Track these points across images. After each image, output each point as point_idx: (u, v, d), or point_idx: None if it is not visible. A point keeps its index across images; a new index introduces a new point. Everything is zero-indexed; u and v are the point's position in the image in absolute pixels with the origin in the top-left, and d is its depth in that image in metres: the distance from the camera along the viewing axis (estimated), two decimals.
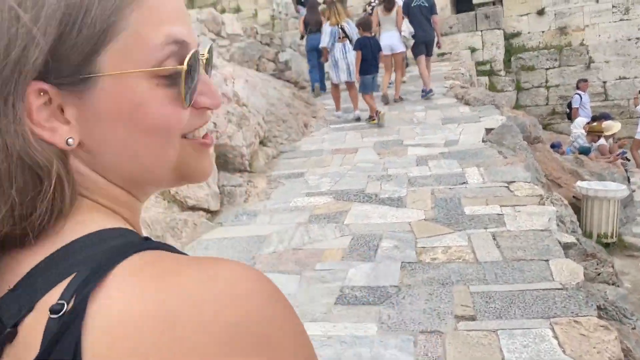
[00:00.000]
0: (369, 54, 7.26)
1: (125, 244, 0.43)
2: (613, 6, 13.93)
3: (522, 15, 15.09)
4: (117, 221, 0.47)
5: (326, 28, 7.83)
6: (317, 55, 9.27)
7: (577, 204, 6.65)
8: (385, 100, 8.77)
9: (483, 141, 6.13)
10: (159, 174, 0.49)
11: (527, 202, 4.08)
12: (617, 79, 14.15)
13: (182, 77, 0.46)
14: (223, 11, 15.41)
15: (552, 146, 9.29)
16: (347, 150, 6.39)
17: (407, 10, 8.45)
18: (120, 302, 0.38)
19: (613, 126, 9.11)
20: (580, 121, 10.41)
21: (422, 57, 8.54)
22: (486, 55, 14.73)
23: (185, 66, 0.46)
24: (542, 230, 3.55)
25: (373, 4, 10.16)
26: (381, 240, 3.70)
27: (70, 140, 0.44)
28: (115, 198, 0.48)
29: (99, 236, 0.44)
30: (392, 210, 4.26)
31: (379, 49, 7.53)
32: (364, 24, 7.53)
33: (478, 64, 14.36)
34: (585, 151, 8.90)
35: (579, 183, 6.40)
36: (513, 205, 4.05)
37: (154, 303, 0.37)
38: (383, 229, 3.89)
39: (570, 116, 12.74)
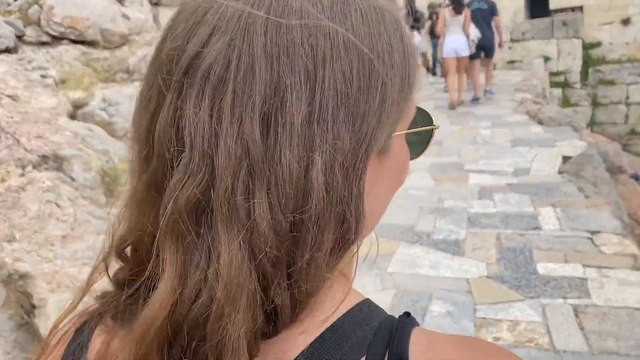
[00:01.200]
0: None
1: (389, 319, 0.44)
2: None
3: (604, 24, 13.82)
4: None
5: None
6: None
7: None
8: (452, 105, 8.53)
9: (559, 172, 5.29)
10: (372, 229, 0.50)
11: (617, 264, 3.29)
12: None
13: (432, 133, 0.53)
14: None
15: (631, 177, 8.25)
16: None
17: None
18: None
19: None
20: None
21: (477, 62, 8.59)
22: (561, 65, 13.58)
23: (436, 125, 0.54)
24: (638, 309, 2.77)
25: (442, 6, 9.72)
26: (431, 301, 3.02)
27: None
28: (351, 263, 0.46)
29: (362, 311, 0.44)
30: (447, 258, 3.56)
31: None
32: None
33: (552, 74, 13.25)
34: None
35: None
36: (599, 267, 3.27)
37: None
38: (434, 285, 3.21)
39: None
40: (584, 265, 3.30)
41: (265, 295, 0.38)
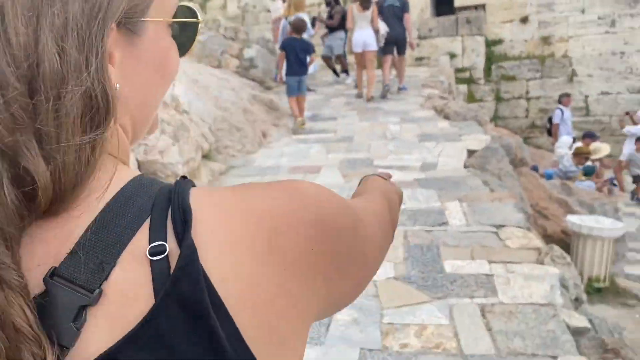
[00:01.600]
0: (293, 56, 6.94)
1: (167, 184, 0.45)
2: (599, 18, 13.36)
3: (505, 22, 14.41)
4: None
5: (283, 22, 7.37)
6: None
7: (566, 240, 5.91)
8: (360, 96, 8.68)
9: (465, 166, 5.31)
10: (148, 124, 0.53)
11: (522, 258, 3.25)
12: (599, 94, 13.60)
13: (197, 28, 0.54)
14: (190, 1, 14.35)
15: (532, 169, 8.60)
16: (308, 168, 5.49)
17: (380, 10, 8.32)
18: (222, 215, 0.42)
19: (602, 148, 8.45)
20: (566, 141, 9.74)
21: (389, 57, 8.61)
22: (466, 62, 14.02)
23: (200, 19, 0.54)
24: (544, 305, 2.72)
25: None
26: None
27: (117, 86, 0.44)
28: (126, 149, 0.49)
29: (140, 182, 0.45)
30: None
31: (308, 52, 7.14)
32: (294, 26, 7.25)
33: (457, 70, 13.65)
34: (590, 172, 8.21)
35: (570, 218, 5.64)
36: (505, 262, 3.22)
37: (256, 204, 0.44)
38: None
39: (551, 132, 12.12)
40: (490, 262, 3.23)
41: (17, 167, 0.39)
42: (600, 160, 8.61)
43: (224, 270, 0.40)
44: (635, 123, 11.14)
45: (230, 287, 0.40)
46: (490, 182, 4.84)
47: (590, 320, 2.64)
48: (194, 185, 0.45)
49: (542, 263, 3.19)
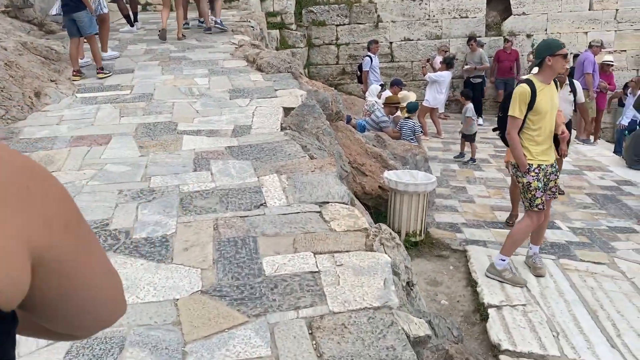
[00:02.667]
0: None
1: None
2: None
3: None
4: None
5: None
6: None
7: (384, 196, 5.83)
8: (163, 36, 8.07)
9: (282, 128, 4.77)
10: None
11: (350, 245, 2.83)
12: (402, 40, 14.11)
13: None
14: None
15: (347, 121, 8.52)
16: (94, 138, 4.46)
17: None
18: None
19: (409, 96, 8.62)
20: (375, 89, 9.82)
21: None
22: (277, 6, 13.41)
23: None
24: (379, 309, 2.33)
25: None
26: (122, 353, 2.09)
27: None
28: None
29: None
30: (149, 269, 2.65)
31: None
32: None
33: (268, 14, 12.98)
34: (413, 108, 8.38)
35: (386, 174, 5.52)
36: (332, 252, 2.77)
37: None
38: (129, 319, 2.28)
39: (361, 79, 12.28)
40: (316, 253, 2.76)
41: None
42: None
43: None
44: (434, 70, 11.75)
45: None
46: (310, 146, 4.38)
47: (429, 323, 2.32)
48: None
49: (371, 249, 2.81)
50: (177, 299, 2.41)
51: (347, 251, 2.77)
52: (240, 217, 3.15)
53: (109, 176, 3.71)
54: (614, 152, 10.25)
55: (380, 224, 3.12)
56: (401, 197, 5.38)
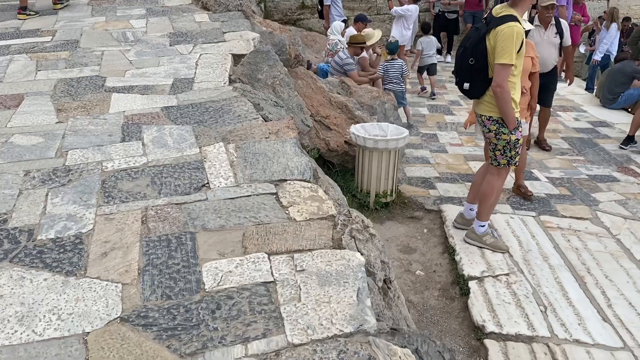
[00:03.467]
0: None
1: None
2: None
3: None
4: None
5: None
6: None
7: (351, 152, 5.26)
8: None
9: (231, 81, 4.08)
10: None
11: (314, 241, 2.28)
12: None
13: None
14: None
15: (307, 67, 7.81)
16: (1, 100, 3.69)
17: None
18: None
19: (374, 34, 7.88)
20: (338, 25, 9.02)
21: None
22: None
23: None
24: (351, 335, 1.81)
25: None
26: None
27: None
28: None
29: None
30: (56, 286, 2.04)
31: None
32: None
33: None
34: (394, 48, 7.73)
35: (353, 129, 4.93)
36: (291, 252, 2.21)
37: None
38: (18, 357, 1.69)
39: (322, 14, 11.37)
40: (270, 254, 2.20)
41: None
42: (373, 46, 8.10)
43: None
44: (401, 3, 10.95)
45: None
46: (264, 103, 3.73)
47: (416, 352, 1.82)
48: None
49: (340, 245, 2.27)
50: (88, 333, 1.83)
51: (310, 250, 2.22)
52: (177, 204, 2.54)
53: (14, 152, 3.01)
54: (585, 89, 9.87)
55: (350, 209, 2.56)
56: (370, 154, 4.82)
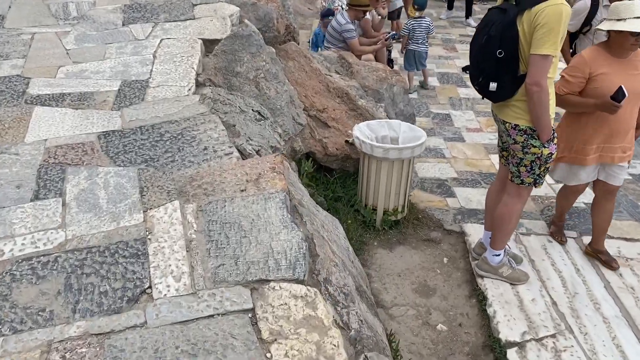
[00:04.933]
0: None
1: None
2: None
3: None
4: None
5: None
6: None
7: (353, 155, 4.30)
8: None
9: (198, 84, 3.07)
10: None
11: None
12: None
13: None
14: None
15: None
16: None
17: None
18: None
19: None
20: None
21: None
22: None
23: None
24: None
25: None
26: None
27: None
28: None
29: None
30: None
31: None
32: None
33: None
34: (423, 3, 6.77)
35: (357, 131, 3.95)
36: None
37: None
38: None
39: None
40: None
41: None
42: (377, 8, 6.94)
43: None
44: None
45: None
46: (242, 123, 2.75)
47: None
48: None
49: None
50: None
51: None
52: (97, 335, 1.63)
53: None
54: None
55: (368, 355, 1.66)
56: (378, 164, 3.88)
